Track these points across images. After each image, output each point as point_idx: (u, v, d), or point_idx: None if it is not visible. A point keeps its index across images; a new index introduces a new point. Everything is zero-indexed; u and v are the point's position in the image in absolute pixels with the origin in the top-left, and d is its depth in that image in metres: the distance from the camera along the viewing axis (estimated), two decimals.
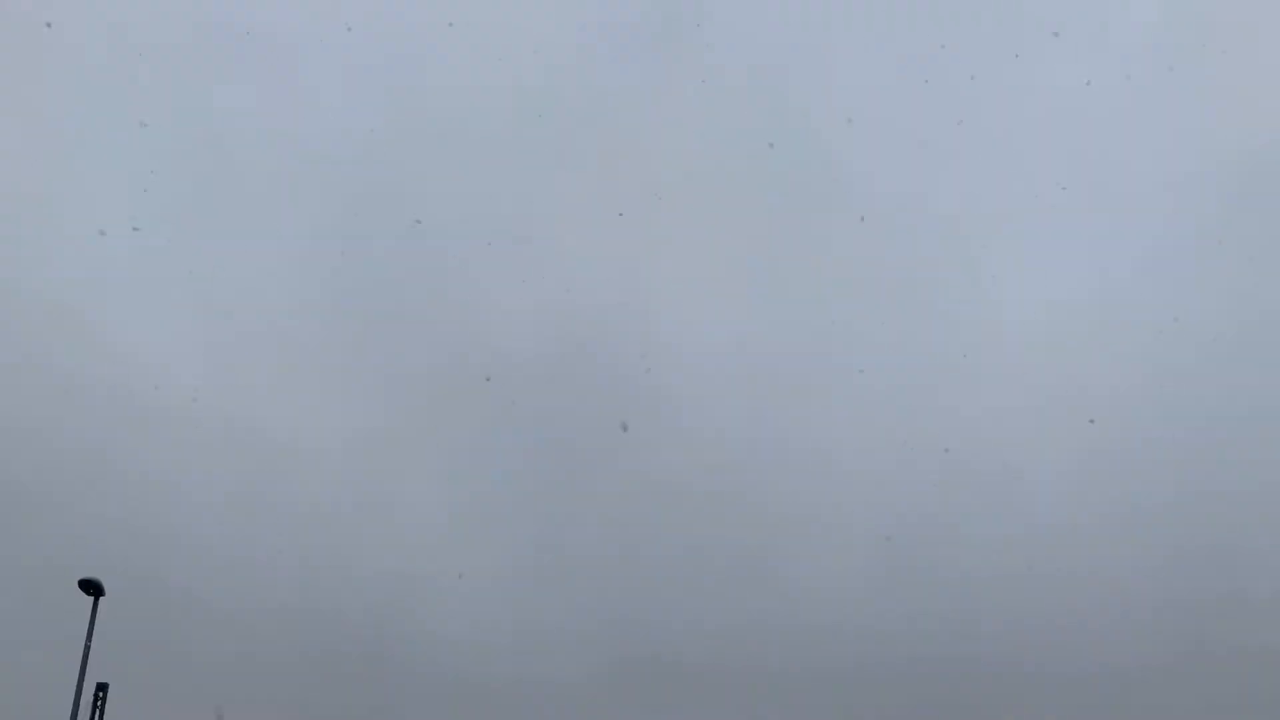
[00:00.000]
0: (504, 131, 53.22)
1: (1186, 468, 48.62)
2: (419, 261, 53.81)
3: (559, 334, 54.11)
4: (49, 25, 48.62)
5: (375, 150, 52.57)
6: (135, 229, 48.83)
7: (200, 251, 52.12)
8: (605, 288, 54.58)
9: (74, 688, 32.23)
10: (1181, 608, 46.44)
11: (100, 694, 33.08)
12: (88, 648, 32.62)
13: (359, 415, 52.15)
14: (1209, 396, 50.10)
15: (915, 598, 48.33)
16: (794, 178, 53.12)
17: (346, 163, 52.70)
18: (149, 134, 50.01)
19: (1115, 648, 45.95)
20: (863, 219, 51.81)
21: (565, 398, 53.44)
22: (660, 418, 52.36)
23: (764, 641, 47.69)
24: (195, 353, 51.35)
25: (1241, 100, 51.53)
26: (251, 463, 50.74)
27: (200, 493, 48.55)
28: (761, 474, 51.66)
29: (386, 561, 49.15)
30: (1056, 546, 48.59)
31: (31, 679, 37.48)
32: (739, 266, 54.59)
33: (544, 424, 53.10)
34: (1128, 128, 53.24)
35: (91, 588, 33.17)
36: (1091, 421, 48.87)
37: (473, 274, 53.46)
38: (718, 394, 53.32)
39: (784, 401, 52.54)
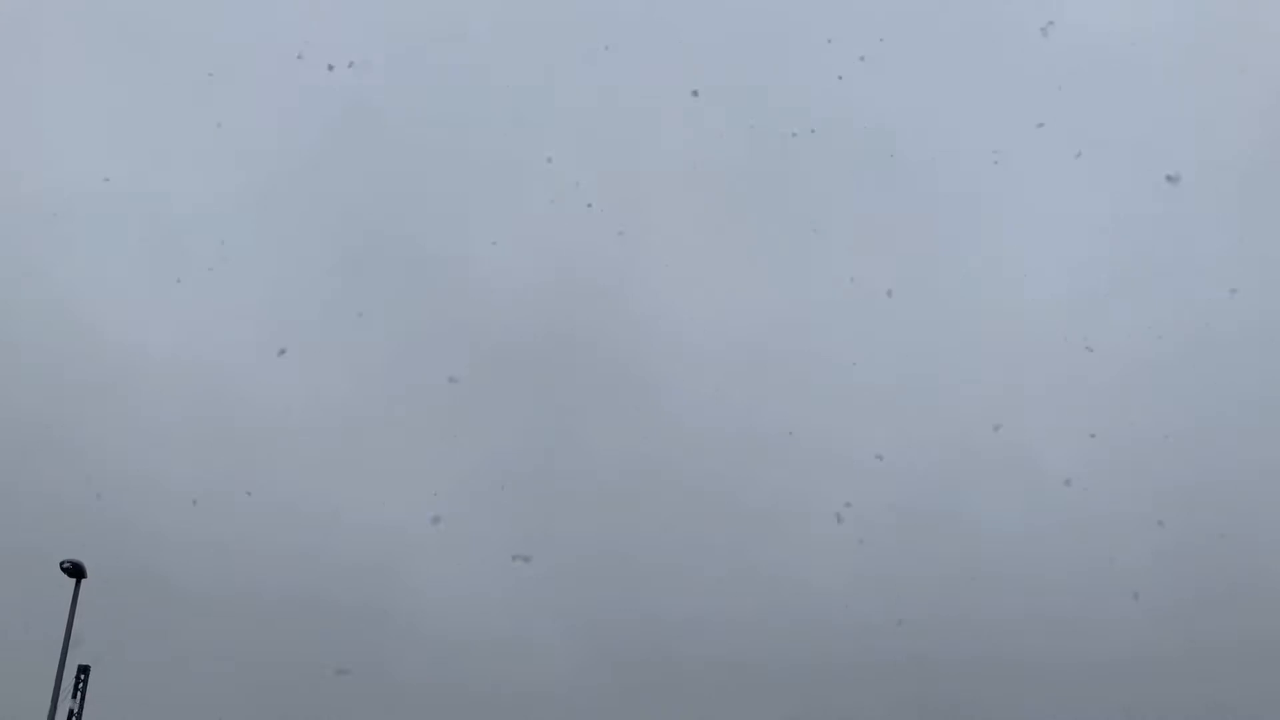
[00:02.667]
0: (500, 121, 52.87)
1: (1200, 455, 47.90)
2: (407, 243, 53.45)
3: (552, 324, 53.67)
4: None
5: (364, 130, 52.19)
6: (106, 180, 48.17)
7: (182, 229, 51.72)
8: (597, 279, 54.07)
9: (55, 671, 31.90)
10: (1188, 601, 45.84)
11: (82, 677, 32.64)
12: (69, 630, 32.27)
13: (346, 401, 51.57)
14: (1230, 379, 49.25)
15: (916, 594, 47.76)
16: (789, 164, 52.64)
17: (336, 146, 52.30)
18: (122, 90, 49.73)
19: (1118, 643, 45.39)
20: (864, 196, 51.46)
21: (559, 390, 53.02)
22: (655, 411, 51.94)
23: (762, 638, 47.11)
24: (175, 329, 50.84)
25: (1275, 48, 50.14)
26: (235, 449, 50.17)
27: (187, 482, 47.86)
28: (758, 469, 51.13)
29: (376, 554, 48.53)
30: (1058, 542, 48.06)
31: (12, 663, 36.94)
32: (737, 258, 54.17)
33: (537, 418, 52.65)
34: (1152, 80, 51.91)
35: (74, 570, 32.76)
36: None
37: (468, 258, 52.96)
38: (715, 389, 52.84)
39: (783, 395, 52.02)
